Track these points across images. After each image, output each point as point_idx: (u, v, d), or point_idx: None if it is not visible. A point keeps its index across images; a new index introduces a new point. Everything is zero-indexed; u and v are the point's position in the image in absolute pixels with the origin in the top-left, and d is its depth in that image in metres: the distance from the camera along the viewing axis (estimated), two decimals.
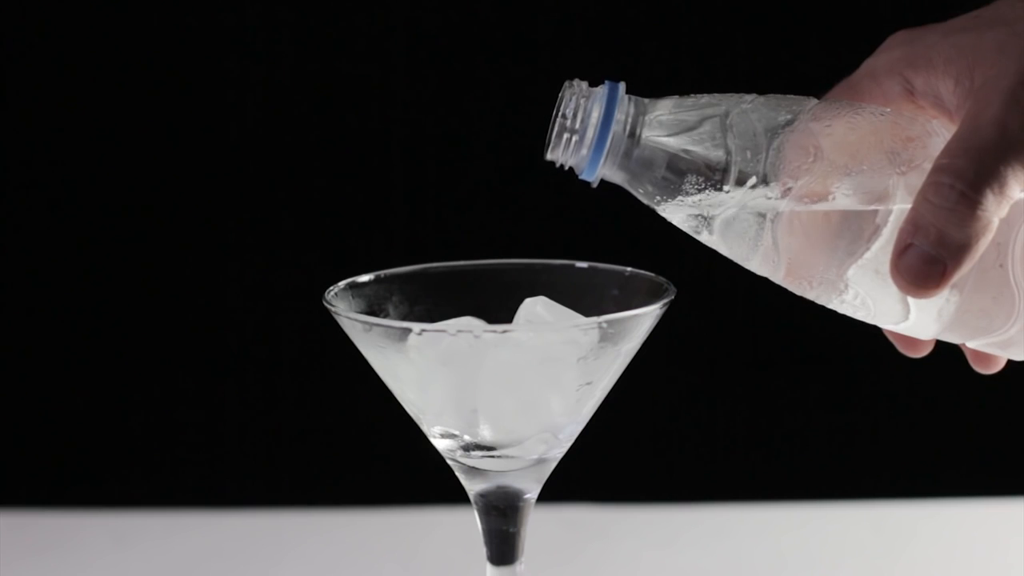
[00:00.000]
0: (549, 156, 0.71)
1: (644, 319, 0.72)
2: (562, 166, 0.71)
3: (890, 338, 0.76)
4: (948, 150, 0.66)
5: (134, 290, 1.31)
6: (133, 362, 1.32)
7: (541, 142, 0.71)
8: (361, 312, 0.76)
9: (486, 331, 0.71)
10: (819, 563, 1.16)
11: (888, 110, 0.70)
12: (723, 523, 1.23)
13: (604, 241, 1.28)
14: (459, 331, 0.70)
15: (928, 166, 0.67)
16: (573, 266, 0.79)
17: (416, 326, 0.71)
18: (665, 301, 0.73)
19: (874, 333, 1.34)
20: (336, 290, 0.76)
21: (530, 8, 1.28)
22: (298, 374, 1.33)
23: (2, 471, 1.33)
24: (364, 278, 0.78)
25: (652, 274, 0.77)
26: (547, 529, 1.09)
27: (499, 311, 0.75)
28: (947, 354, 1.32)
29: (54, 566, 1.16)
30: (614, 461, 1.33)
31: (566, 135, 0.70)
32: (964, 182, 0.65)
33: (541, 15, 1.28)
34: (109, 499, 1.29)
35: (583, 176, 0.71)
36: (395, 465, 1.31)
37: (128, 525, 1.23)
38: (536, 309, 0.75)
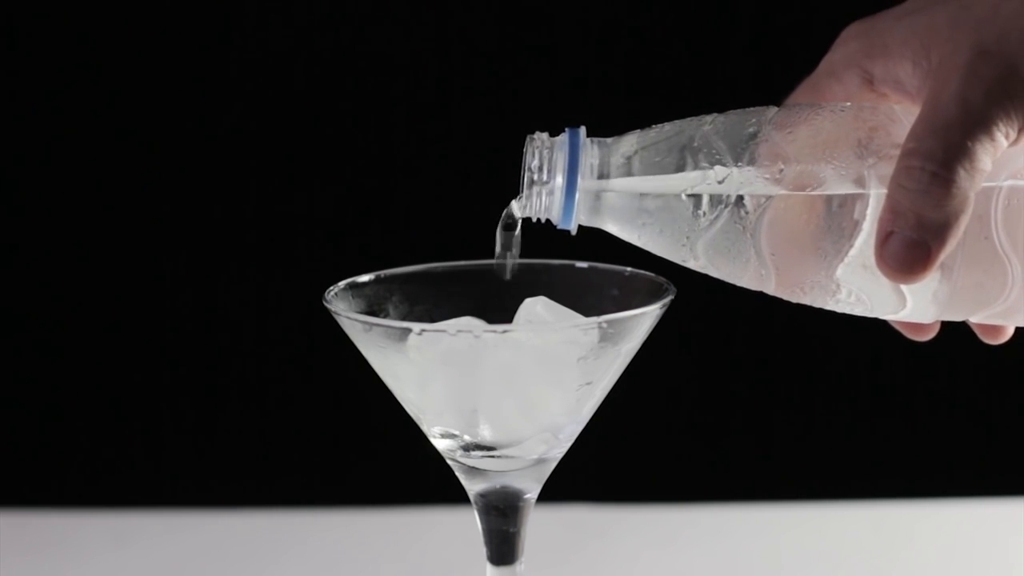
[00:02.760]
0: (523, 213, 0.71)
1: (644, 319, 0.72)
2: (538, 220, 0.71)
3: (895, 326, 0.75)
4: (914, 133, 0.66)
5: (134, 290, 1.31)
6: (133, 362, 1.32)
7: None
8: (361, 312, 0.76)
9: (486, 331, 0.71)
10: (819, 563, 1.16)
11: (848, 104, 0.70)
12: (723, 523, 1.23)
13: (604, 241, 1.28)
14: (459, 331, 0.70)
15: (896, 153, 0.67)
16: (573, 266, 0.79)
17: (416, 326, 0.71)
18: (665, 301, 0.73)
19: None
20: (336, 290, 0.76)
21: (530, 12, 1.28)
22: (298, 374, 1.33)
23: (2, 471, 1.33)
24: (364, 278, 0.78)
25: (652, 274, 0.77)
26: (547, 529, 1.09)
27: (499, 311, 0.75)
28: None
29: (54, 566, 1.16)
30: (614, 461, 1.33)
31: (536, 188, 0.70)
32: (934, 162, 0.65)
33: (541, 19, 1.28)
34: (109, 499, 1.29)
35: (561, 226, 0.71)
36: (395, 465, 1.31)
37: (128, 525, 1.23)
38: (536, 309, 0.75)
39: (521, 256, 0.79)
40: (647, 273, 0.77)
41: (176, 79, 1.28)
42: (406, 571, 1.15)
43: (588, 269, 0.79)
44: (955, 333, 1.33)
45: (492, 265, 0.78)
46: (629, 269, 0.78)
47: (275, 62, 1.29)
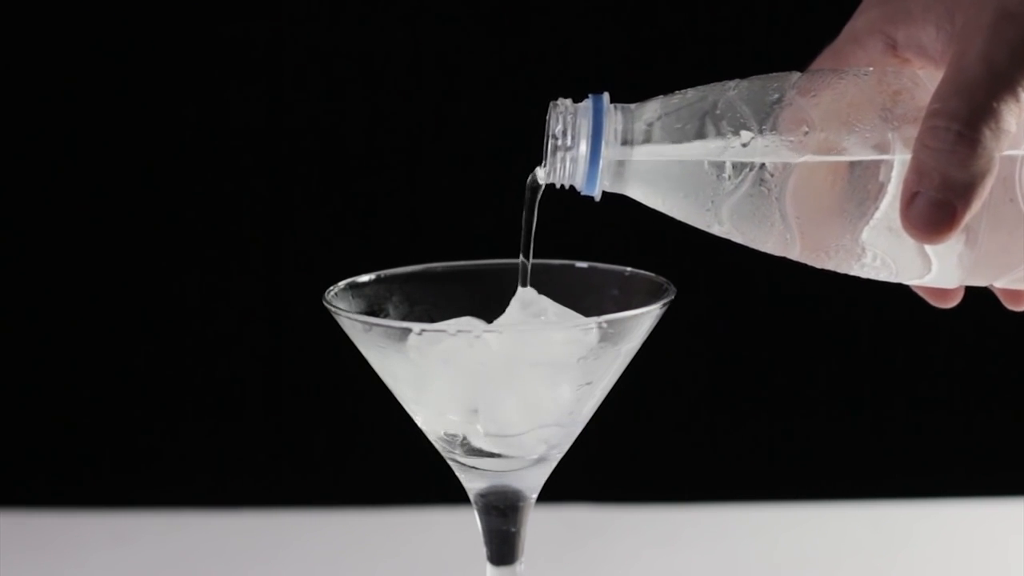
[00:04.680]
0: (547, 179, 0.71)
1: (644, 319, 0.72)
2: (562, 186, 0.71)
3: (919, 293, 0.75)
4: (938, 94, 0.66)
5: (134, 290, 1.31)
6: (133, 362, 1.32)
7: (541, 140, 0.71)
8: (361, 312, 0.76)
9: (486, 331, 0.71)
10: (819, 563, 1.16)
11: (871, 69, 0.70)
12: (723, 523, 1.23)
13: (604, 241, 1.28)
14: (459, 331, 0.70)
15: (920, 115, 0.67)
16: (573, 266, 0.79)
17: (416, 326, 0.71)
18: (665, 301, 0.73)
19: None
20: (336, 290, 0.76)
21: (530, 12, 1.28)
22: (298, 374, 1.33)
23: (2, 471, 1.33)
24: (364, 278, 0.78)
25: (652, 274, 0.77)
26: (547, 529, 1.09)
27: (499, 311, 0.75)
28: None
29: (54, 566, 1.16)
30: (614, 461, 1.33)
31: (560, 155, 0.70)
32: (959, 122, 0.65)
33: (540, 18, 1.28)
34: (109, 499, 1.29)
35: (585, 192, 0.71)
36: (395, 465, 1.31)
37: (128, 525, 1.23)
38: (529, 299, 0.75)
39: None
40: (647, 273, 0.77)
41: (176, 79, 1.28)
42: (406, 571, 1.15)
43: (588, 269, 0.79)
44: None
45: (493, 265, 0.79)
46: (629, 269, 0.78)
47: (275, 61, 1.29)
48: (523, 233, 0.74)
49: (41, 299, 1.31)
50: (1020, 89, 0.65)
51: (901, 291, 0.78)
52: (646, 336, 0.74)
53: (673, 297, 0.74)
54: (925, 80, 0.69)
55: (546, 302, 0.75)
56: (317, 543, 1.19)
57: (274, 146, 1.30)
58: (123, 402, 1.33)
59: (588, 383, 0.73)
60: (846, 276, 0.72)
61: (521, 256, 0.75)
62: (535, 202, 0.73)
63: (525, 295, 0.75)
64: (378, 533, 1.22)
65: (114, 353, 1.32)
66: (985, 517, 1.23)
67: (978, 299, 0.82)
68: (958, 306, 0.75)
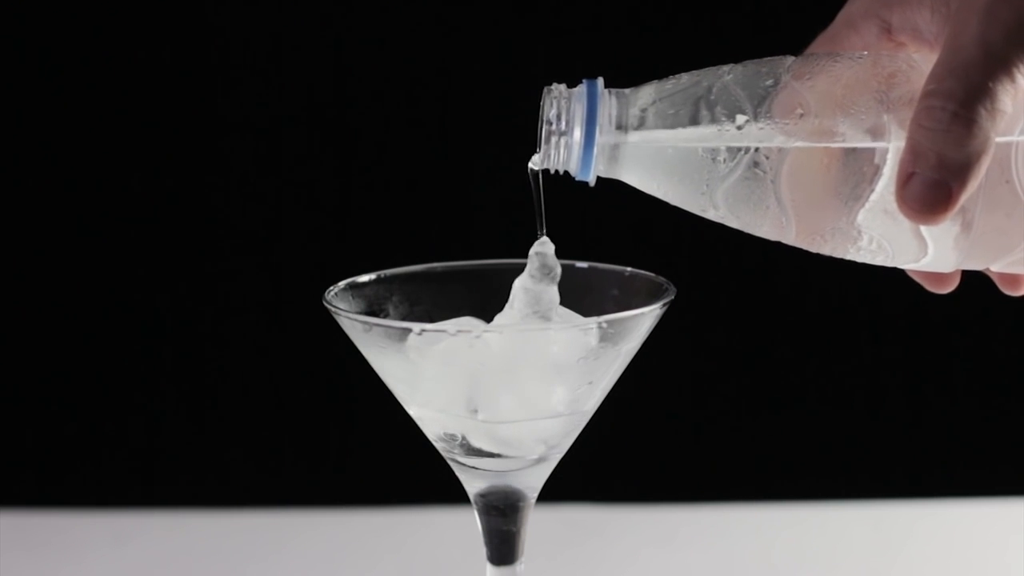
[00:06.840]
0: (542, 165, 0.71)
1: (644, 319, 0.72)
2: (557, 172, 0.71)
3: (915, 278, 0.75)
4: (934, 75, 0.66)
5: (134, 290, 1.31)
6: (133, 362, 1.32)
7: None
8: (361, 312, 0.76)
9: (486, 331, 0.71)
10: (818, 563, 1.16)
11: (865, 53, 0.71)
12: (723, 523, 1.23)
13: (604, 241, 1.28)
14: (459, 331, 0.70)
15: (915, 98, 0.67)
16: (573, 266, 0.79)
17: (416, 326, 0.71)
18: (665, 301, 0.73)
19: (873, 333, 1.33)
20: (336, 290, 0.76)
21: (529, 9, 1.28)
22: (298, 374, 1.33)
23: (2, 471, 1.33)
24: (364, 278, 0.78)
25: (652, 274, 0.77)
26: (547, 529, 1.09)
27: (499, 311, 0.75)
28: (946, 353, 1.32)
29: (54, 566, 1.16)
30: (614, 461, 1.33)
31: (554, 139, 0.70)
32: (955, 102, 0.65)
33: (539, 16, 1.28)
34: (109, 499, 1.29)
35: (579, 177, 0.71)
36: (395, 465, 1.31)
37: (128, 525, 1.23)
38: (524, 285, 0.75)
39: (521, 256, 0.79)
40: (647, 273, 0.77)
41: (176, 78, 1.28)
42: (406, 571, 1.15)
43: (588, 269, 0.79)
44: (955, 333, 1.33)
45: (493, 265, 0.79)
46: (629, 269, 0.78)
47: (274, 60, 1.29)
48: (536, 213, 0.74)
49: (41, 299, 1.31)
50: (1015, 69, 0.65)
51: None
52: (646, 336, 0.74)
53: (673, 297, 0.74)
54: (920, 63, 0.69)
55: (554, 295, 0.75)
56: (317, 543, 1.20)
57: (274, 146, 1.30)
58: (123, 402, 1.33)
59: (588, 383, 0.73)
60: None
61: (539, 230, 0.75)
62: (539, 184, 0.73)
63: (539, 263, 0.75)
64: (378, 533, 1.22)
65: (114, 353, 1.32)
66: (985, 517, 1.23)
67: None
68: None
